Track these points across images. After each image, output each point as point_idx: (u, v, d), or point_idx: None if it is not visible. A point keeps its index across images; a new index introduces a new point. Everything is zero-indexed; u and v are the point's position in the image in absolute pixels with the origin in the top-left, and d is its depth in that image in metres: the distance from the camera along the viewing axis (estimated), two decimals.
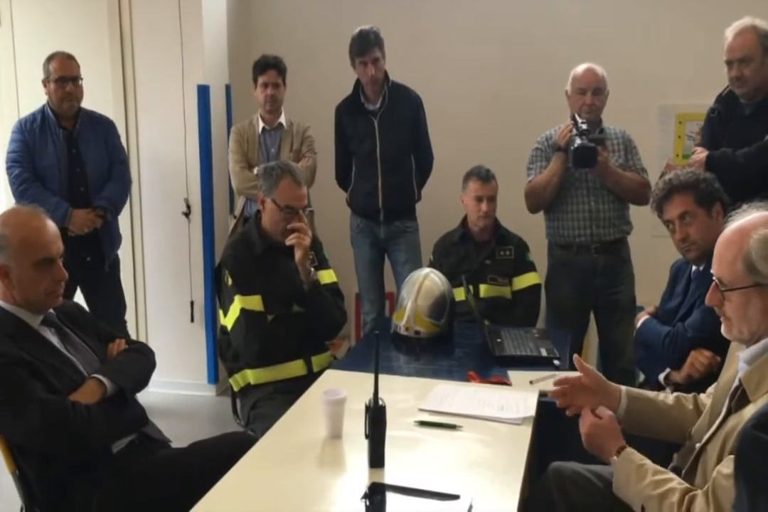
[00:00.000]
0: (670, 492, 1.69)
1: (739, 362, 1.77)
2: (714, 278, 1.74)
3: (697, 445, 1.83)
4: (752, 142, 3.08)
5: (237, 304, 2.81)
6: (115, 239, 3.96)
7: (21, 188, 3.67)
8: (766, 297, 1.67)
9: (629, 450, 1.85)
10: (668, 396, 2.10)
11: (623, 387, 2.06)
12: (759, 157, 3.05)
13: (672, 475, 1.77)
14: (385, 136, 3.87)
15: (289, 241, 2.85)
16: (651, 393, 2.11)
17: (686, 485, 1.72)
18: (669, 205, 2.59)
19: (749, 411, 1.62)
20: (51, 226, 2.15)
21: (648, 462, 1.81)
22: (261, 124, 4.01)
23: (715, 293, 1.75)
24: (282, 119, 4.02)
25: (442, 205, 4.14)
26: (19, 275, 2.08)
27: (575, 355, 2.13)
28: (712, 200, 2.58)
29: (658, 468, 1.79)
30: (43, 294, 2.11)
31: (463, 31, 4.56)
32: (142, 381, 2.29)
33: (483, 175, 3.52)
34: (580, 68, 3.45)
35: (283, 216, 2.89)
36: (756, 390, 1.66)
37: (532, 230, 3.68)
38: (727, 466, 1.58)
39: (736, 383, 1.74)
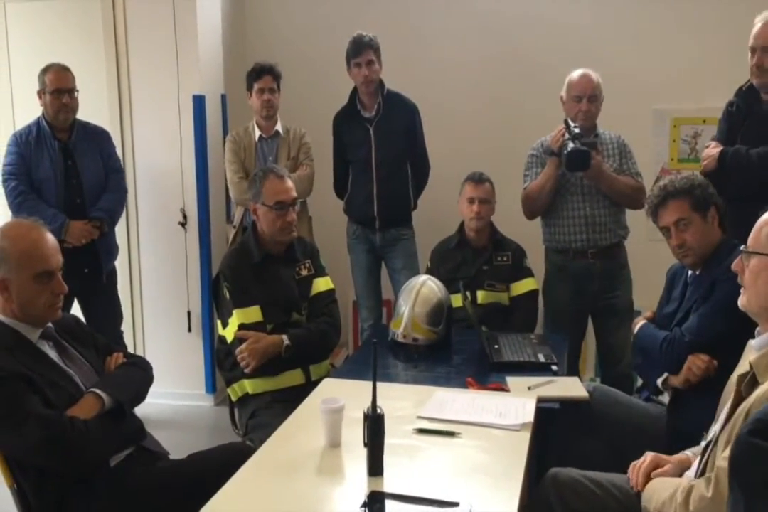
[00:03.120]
0: (676, 492, 1.72)
1: (751, 351, 1.80)
2: (744, 247, 1.81)
3: (710, 439, 1.82)
4: None
5: (235, 320, 2.82)
6: (113, 250, 3.96)
7: (17, 200, 3.66)
8: None
9: None
10: None
11: None
12: None
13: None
14: (380, 144, 3.87)
15: (247, 371, 2.77)
16: None
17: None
18: (664, 211, 2.59)
19: (758, 393, 1.65)
20: (50, 238, 2.15)
21: None
22: (257, 132, 3.99)
23: (741, 260, 1.82)
24: (278, 126, 4.01)
25: (438, 211, 4.14)
26: (19, 288, 2.07)
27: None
28: (708, 205, 2.58)
29: None
30: (43, 307, 2.11)
31: (458, 37, 4.56)
32: (140, 396, 2.28)
33: (476, 178, 3.56)
34: (576, 74, 3.44)
35: (276, 213, 2.88)
36: (765, 372, 1.68)
37: (529, 236, 3.68)
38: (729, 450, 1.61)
39: (746, 369, 1.76)
